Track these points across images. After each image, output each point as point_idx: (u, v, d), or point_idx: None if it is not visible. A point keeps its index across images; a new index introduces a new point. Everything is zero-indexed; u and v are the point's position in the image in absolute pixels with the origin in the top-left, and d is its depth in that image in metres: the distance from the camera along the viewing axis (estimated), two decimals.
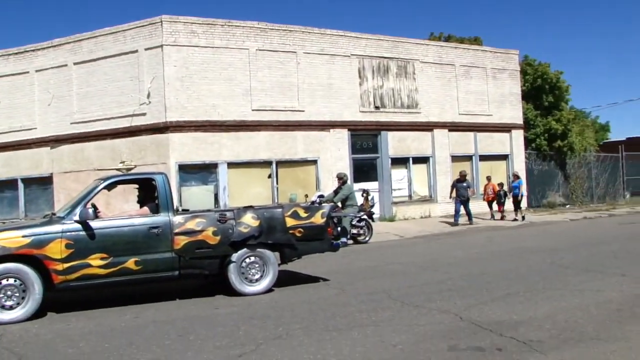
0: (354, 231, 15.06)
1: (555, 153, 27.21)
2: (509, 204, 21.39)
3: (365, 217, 15.50)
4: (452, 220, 19.88)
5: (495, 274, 9.38)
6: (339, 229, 14.31)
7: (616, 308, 6.70)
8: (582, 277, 8.75)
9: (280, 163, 18.93)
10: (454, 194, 19.96)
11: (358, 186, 18.88)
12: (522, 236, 15.64)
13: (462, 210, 19.72)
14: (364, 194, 16.52)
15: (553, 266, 10.00)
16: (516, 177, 21.48)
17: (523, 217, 20.71)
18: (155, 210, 8.09)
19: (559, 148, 27.08)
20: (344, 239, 14.29)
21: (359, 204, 15.63)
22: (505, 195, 21.30)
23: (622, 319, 6.22)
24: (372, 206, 16.46)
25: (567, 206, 26.28)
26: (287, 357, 5.16)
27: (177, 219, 8.03)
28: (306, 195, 17.17)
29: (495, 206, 21.42)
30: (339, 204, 14.53)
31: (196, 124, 17.38)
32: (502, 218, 20.99)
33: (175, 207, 8.51)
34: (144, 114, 17.33)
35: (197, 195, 17.42)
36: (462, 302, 7.24)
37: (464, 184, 19.69)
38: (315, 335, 5.89)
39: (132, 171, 9.36)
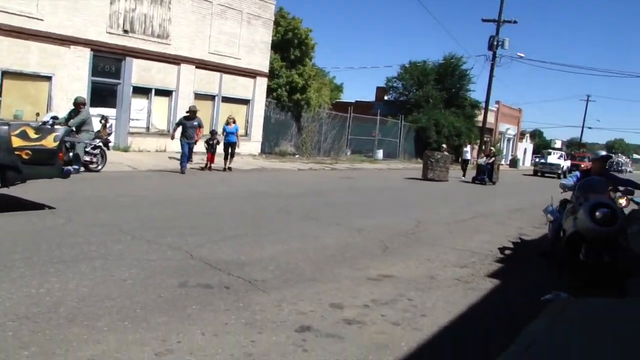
0: (87, 158, 14.24)
1: (294, 105, 28.65)
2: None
3: (100, 144, 14.75)
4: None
5: (226, 215, 9.73)
6: (71, 154, 13.46)
7: (331, 253, 7.47)
8: (304, 224, 9.53)
9: (8, 74, 16.97)
10: (177, 134, 17.18)
11: (95, 111, 17.85)
12: (254, 181, 16.35)
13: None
14: (103, 121, 15.67)
15: (280, 212, 10.70)
16: (233, 121, 19.36)
17: (230, 169, 18.82)
18: None
19: (297, 101, 28.56)
20: (76, 166, 13.46)
21: (95, 130, 14.79)
22: (218, 143, 18.86)
23: (335, 263, 6.96)
24: (109, 134, 15.71)
25: (297, 156, 28.04)
26: (5, 291, 4.76)
27: None
28: (37, 114, 15.70)
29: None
30: (74, 128, 13.59)
31: None
32: (210, 168, 18.46)
33: None
34: None
35: None
36: (193, 240, 7.40)
37: (194, 123, 17.04)
38: (38, 267, 5.54)
39: None
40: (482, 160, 25.30)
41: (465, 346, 4.72)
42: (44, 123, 10.44)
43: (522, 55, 40.81)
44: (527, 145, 65.79)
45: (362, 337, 4.58)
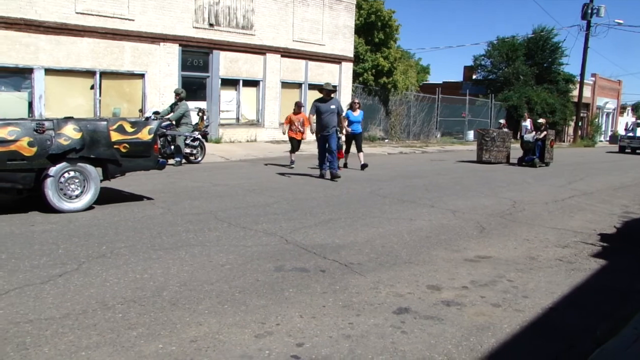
0: (187, 150, 14.77)
1: (380, 89, 28.40)
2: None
3: (199, 137, 15.23)
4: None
5: (319, 200, 9.77)
6: (172, 147, 14.10)
7: (425, 235, 7.34)
8: (397, 207, 9.42)
9: (105, 74, 17.78)
10: (313, 120, 12.85)
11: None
12: (347, 166, 16.29)
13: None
14: (200, 113, 16.17)
15: (372, 195, 10.63)
16: (359, 106, 15.61)
17: (365, 165, 15.05)
18: None
19: (384, 84, 28.27)
20: (178, 158, 14.06)
21: (194, 123, 15.31)
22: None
23: (430, 245, 6.83)
24: (207, 126, 16.22)
25: (386, 140, 27.82)
26: (113, 276, 5.00)
27: None
28: (140, 111, 16.43)
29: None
30: (174, 122, 14.24)
31: (7, 20, 15.61)
32: (344, 165, 15.20)
33: None
34: None
35: (8, 103, 15.88)
36: (288, 225, 7.48)
37: (331, 106, 12.56)
38: (141, 254, 5.76)
39: None
40: (530, 136, 19.75)
41: (571, 329, 4.49)
42: (147, 119, 10.87)
43: (621, 21, 38.58)
44: (628, 119, 62.15)
45: (462, 319, 4.46)
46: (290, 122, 14.47)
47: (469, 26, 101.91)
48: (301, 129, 14.41)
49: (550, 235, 7.82)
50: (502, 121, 22.35)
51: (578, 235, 7.89)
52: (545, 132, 19.49)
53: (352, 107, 15.30)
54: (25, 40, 15.99)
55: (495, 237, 7.50)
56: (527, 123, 22.56)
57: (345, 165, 15.16)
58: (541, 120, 20.63)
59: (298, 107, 14.54)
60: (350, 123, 14.93)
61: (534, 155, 19.19)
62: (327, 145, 12.50)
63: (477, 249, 6.75)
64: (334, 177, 12.40)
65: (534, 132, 19.91)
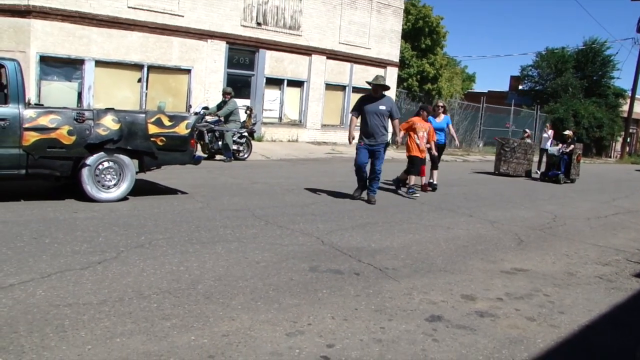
0: (234, 147, 14.98)
1: (425, 95, 28.20)
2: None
3: (246, 134, 15.43)
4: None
5: (357, 203, 9.74)
6: (219, 143, 14.41)
7: (462, 244, 7.26)
8: (435, 214, 9.35)
9: (153, 68, 18.11)
10: (357, 133, 9.72)
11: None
12: (384, 172, 16.19)
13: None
14: (248, 111, 16.36)
15: (410, 201, 10.58)
16: (443, 110, 12.93)
17: (433, 186, 12.49)
18: (3, 101, 7.27)
19: (429, 91, 28.09)
20: (229, 154, 14.37)
21: (241, 120, 15.51)
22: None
23: (467, 254, 6.75)
24: (254, 124, 16.40)
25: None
26: (150, 267, 5.09)
27: (29, 112, 7.32)
28: (190, 106, 16.69)
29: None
30: (222, 119, 14.54)
31: (64, 13, 16.05)
32: (426, 187, 12.29)
33: (27, 101, 7.85)
34: None
35: (59, 92, 16.32)
36: (324, 227, 7.48)
37: (381, 107, 9.53)
38: (178, 246, 5.85)
39: None
40: (555, 149, 17.97)
41: (609, 349, 4.38)
42: (196, 114, 11.09)
43: None
44: None
45: (495, 331, 4.40)
46: (411, 129, 11.22)
47: (517, 36, 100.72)
48: (426, 145, 11.54)
49: (590, 251, 7.65)
50: (528, 131, 20.61)
51: (620, 254, 7.70)
52: (572, 146, 17.77)
53: (434, 111, 12.48)
54: (78, 32, 16.40)
55: (534, 250, 7.37)
56: (549, 133, 20.39)
57: (432, 187, 12.48)
58: (568, 132, 18.78)
59: (427, 111, 11.50)
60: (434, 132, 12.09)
61: (559, 170, 17.49)
62: (372, 160, 9.70)
63: (514, 261, 6.65)
64: (370, 201, 9.82)
65: (559, 145, 18.19)
